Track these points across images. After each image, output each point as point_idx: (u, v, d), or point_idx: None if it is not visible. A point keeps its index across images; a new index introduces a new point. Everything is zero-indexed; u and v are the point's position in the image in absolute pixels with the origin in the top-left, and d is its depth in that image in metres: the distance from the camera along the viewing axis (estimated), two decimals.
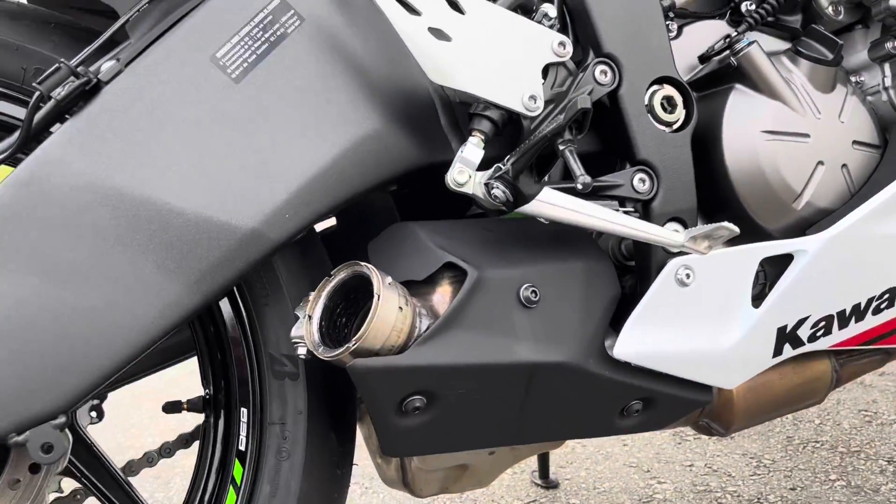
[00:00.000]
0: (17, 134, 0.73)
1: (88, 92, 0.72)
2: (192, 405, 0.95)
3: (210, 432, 0.92)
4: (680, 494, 1.51)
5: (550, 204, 0.77)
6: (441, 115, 0.86)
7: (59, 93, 0.71)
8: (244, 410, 0.85)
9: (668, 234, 0.80)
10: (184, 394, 1.00)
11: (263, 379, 0.84)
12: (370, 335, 0.71)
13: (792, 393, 1.08)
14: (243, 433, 0.84)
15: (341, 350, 0.72)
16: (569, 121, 0.65)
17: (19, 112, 0.79)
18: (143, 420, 2.34)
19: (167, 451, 1.04)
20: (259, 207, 0.75)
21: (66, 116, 0.73)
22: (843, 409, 1.83)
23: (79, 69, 0.72)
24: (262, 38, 0.78)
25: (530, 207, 0.76)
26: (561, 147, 0.67)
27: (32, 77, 0.78)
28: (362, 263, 0.76)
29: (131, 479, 0.94)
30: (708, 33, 0.99)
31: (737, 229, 0.78)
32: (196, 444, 0.97)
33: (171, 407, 0.96)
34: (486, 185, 0.77)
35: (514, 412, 0.83)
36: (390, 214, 1.00)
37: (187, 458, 0.97)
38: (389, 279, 0.74)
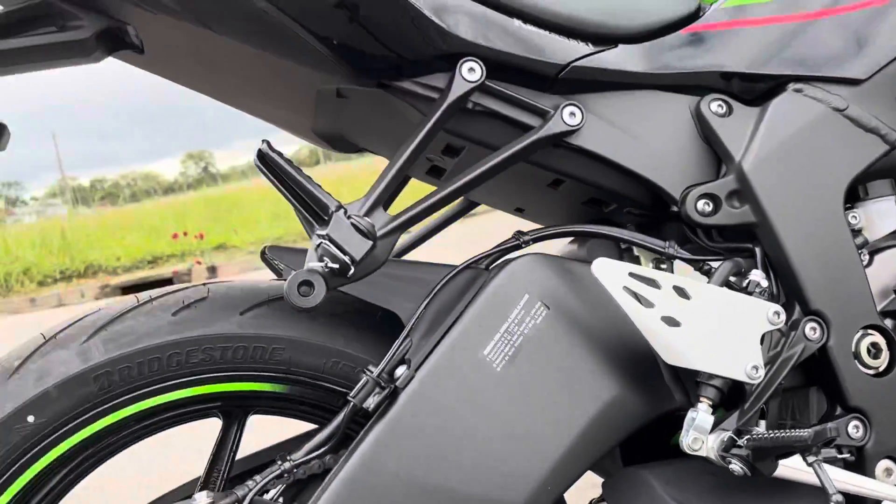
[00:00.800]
0: (329, 431, 0.89)
1: (390, 395, 0.88)
2: None
3: None
4: None
5: (787, 467, 0.87)
6: (664, 371, 0.97)
7: (370, 404, 0.87)
8: None
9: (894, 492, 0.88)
10: None
11: None
12: None
13: None
14: None
15: None
16: (817, 443, 0.75)
17: (323, 396, 0.96)
18: None
19: None
20: (526, 484, 0.88)
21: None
22: None
23: (380, 378, 0.88)
24: (518, 332, 0.92)
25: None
26: (809, 460, 0.77)
27: (329, 369, 0.95)
28: None
29: None
30: None
31: None
32: None
33: None
34: (722, 456, 0.88)
35: None
36: None
37: None
38: None
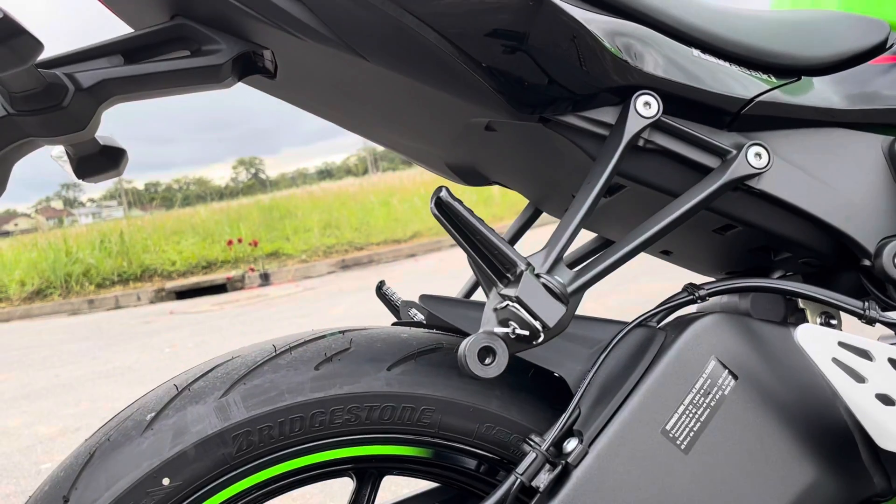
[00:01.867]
0: None
1: (561, 473, 0.78)
2: None
3: None
4: None
5: None
6: (862, 451, 0.85)
7: (541, 484, 0.76)
8: None
9: None
10: None
11: None
12: None
13: None
14: None
15: None
16: None
17: (470, 462, 0.86)
18: None
19: None
20: None
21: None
22: None
23: (548, 451, 0.78)
24: (704, 404, 0.81)
25: None
26: None
27: (482, 434, 0.85)
28: None
29: None
30: None
31: None
32: None
33: None
34: None
35: None
36: None
37: None
38: None
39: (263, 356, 0.84)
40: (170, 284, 10.87)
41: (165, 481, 0.76)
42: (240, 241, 11.89)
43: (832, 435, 0.84)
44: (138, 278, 11.66)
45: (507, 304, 0.68)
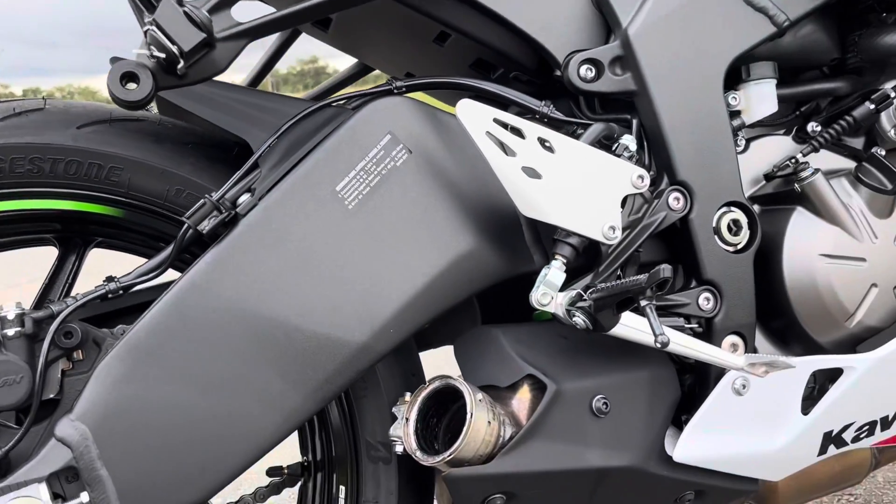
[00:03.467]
0: (163, 256, 0.85)
1: (228, 223, 0.83)
2: (292, 470, 1.07)
3: (307, 496, 1.04)
4: None
5: (627, 326, 0.87)
6: (525, 231, 0.95)
7: (206, 227, 0.82)
8: (342, 488, 0.96)
9: (731, 359, 0.89)
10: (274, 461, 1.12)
11: (360, 462, 0.95)
12: (463, 449, 0.82)
13: (833, 478, 1.16)
14: None
15: (438, 459, 0.82)
16: (651, 285, 0.74)
17: (163, 226, 0.91)
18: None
19: (261, 496, 1.17)
20: (369, 324, 0.85)
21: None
22: None
23: (220, 202, 0.83)
24: (375, 172, 0.88)
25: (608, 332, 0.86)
26: (642, 303, 0.76)
27: (174, 196, 0.89)
28: (454, 378, 0.86)
29: None
30: (774, 150, 1.07)
31: (794, 365, 0.87)
32: (287, 490, 1.10)
33: (274, 472, 1.08)
34: (567, 310, 0.87)
35: None
36: (471, 305, 1.10)
37: None
38: (479, 395, 0.84)
39: None
40: None
41: None
42: None
43: (497, 213, 0.93)
44: None
45: (149, 29, 0.72)
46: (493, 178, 0.90)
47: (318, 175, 0.86)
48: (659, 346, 0.75)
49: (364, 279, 0.86)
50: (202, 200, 0.82)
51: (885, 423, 1.04)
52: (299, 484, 1.07)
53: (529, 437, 0.86)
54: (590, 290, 0.84)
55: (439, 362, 1.22)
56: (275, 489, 1.13)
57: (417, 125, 0.90)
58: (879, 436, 1.05)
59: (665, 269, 0.73)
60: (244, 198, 0.85)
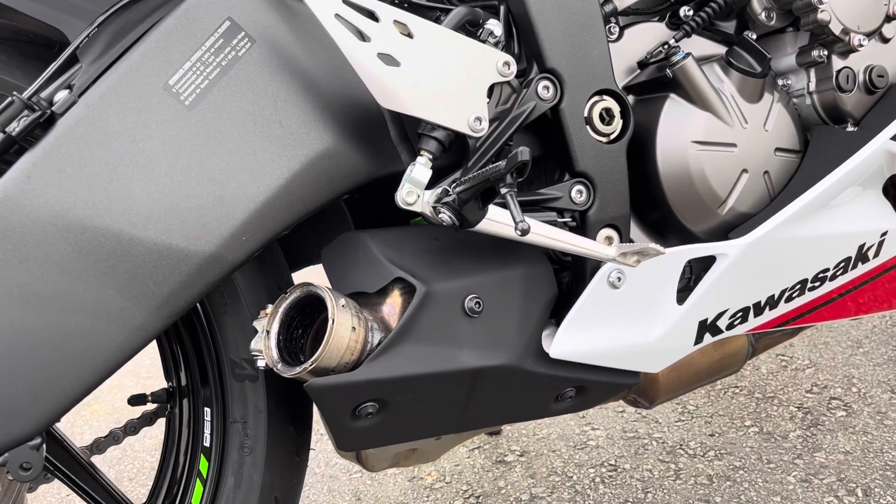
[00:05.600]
0: None
1: (43, 123, 0.74)
2: (156, 397, 1.00)
3: (175, 422, 0.98)
4: (611, 441, 1.64)
5: (493, 221, 0.83)
6: (390, 128, 0.89)
7: (15, 128, 0.72)
8: (207, 410, 0.91)
9: (601, 249, 0.87)
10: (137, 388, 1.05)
11: (225, 382, 0.89)
12: (326, 356, 0.77)
13: (712, 367, 1.19)
14: (207, 431, 0.90)
15: (299, 369, 0.77)
16: (510, 169, 0.70)
17: None
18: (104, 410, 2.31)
19: (132, 428, 1.10)
20: (217, 232, 0.78)
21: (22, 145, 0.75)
22: (762, 354, 1.99)
23: (32, 100, 0.73)
24: (214, 63, 0.79)
25: (474, 228, 0.82)
26: (503, 191, 0.72)
27: None
28: (316, 285, 0.81)
29: (98, 458, 1.00)
30: (647, 37, 1.03)
31: (664, 251, 0.85)
32: (159, 420, 1.04)
33: (136, 400, 1.01)
34: (434, 207, 0.82)
35: (458, 408, 0.91)
36: (340, 213, 1.04)
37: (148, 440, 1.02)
38: (343, 300, 0.79)
39: None
40: None
41: None
42: None
43: (357, 108, 0.86)
44: None
45: None
46: (351, 69, 0.83)
47: (147, 68, 0.76)
48: (519, 233, 0.71)
49: (208, 183, 0.78)
50: (9, 99, 0.72)
51: (758, 308, 1.05)
52: (167, 412, 1.01)
53: (399, 342, 0.82)
54: (454, 185, 0.80)
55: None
56: (147, 420, 1.06)
57: (261, 10, 0.81)
58: (753, 322, 1.07)
59: (523, 152, 0.69)
60: (61, 94, 0.75)
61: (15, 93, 0.73)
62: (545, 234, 0.84)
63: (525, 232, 0.70)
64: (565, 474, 1.53)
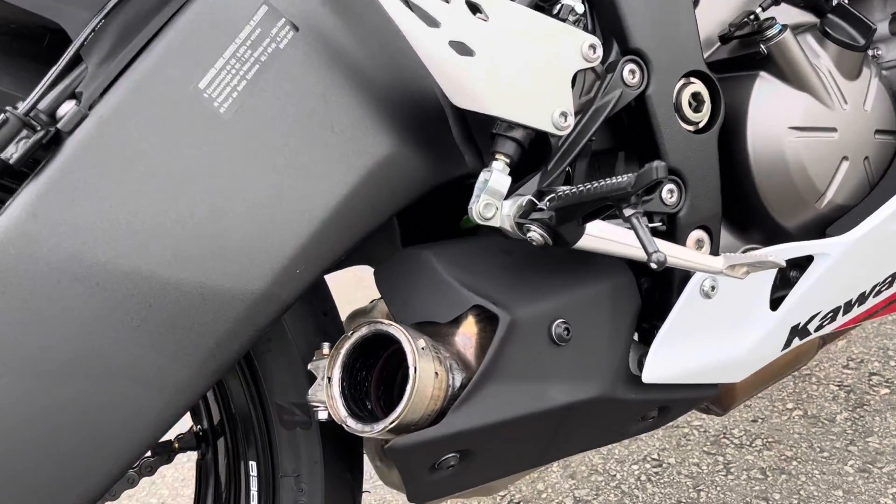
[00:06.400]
0: None
1: (47, 144, 0.59)
2: (185, 443, 0.87)
3: (207, 472, 0.85)
4: (651, 433, 1.55)
5: (593, 237, 0.71)
6: (452, 127, 0.75)
7: (13, 154, 0.57)
8: (252, 464, 0.78)
9: (710, 263, 0.75)
10: None
11: (272, 430, 0.76)
12: (409, 412, 0.64)
13: (786, 366, 1.09)
14: (254, 488, 0.78)
15: (379, 429, 0.65)
16: (641, 188, 0.57)
17: None
18: None
19: (147, 468, 0.97)
20: (267, 266, 0.65)
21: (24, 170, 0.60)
22: None
23: (31, 116, 0.58)
24: (252, 59, 0.64)
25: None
26: (627, 213, 0.59)
27: None
28: (385, 322, 0.68)
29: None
30: (726, 6, 0.90)
31: (782, 262, 0.74)
32: (177, 457, 0.91)
33: (162, 448, 0.88)
34: (520, 224, 0.69)
35: (542, 445, 0.80)
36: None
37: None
38: (421, 341, 0.67)
39: None
40: None
41: None
42: None
43: (418, 106, 0.73)
44: None
45: None
46: (406, 58, 0.69)
47: (170, 70, 0.62)
48: (654, 265, 0.58)
49: (251, 208, 0.64)
50: (2, 116, 0.57)
51: (848, 307, 0.95)
52: (196, 457, 0.88)
53: (484, 383, 0.70)
54: (548, 198, 0.67)
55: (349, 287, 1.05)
56: (164, 459, 0.93)
57: None
58: (840, 321, 0.97)
59: (659, 169, 0.56)
60: (67, 107, 0.60)
61: (8, 108, 0.57)
62: (667, 252, 0.71)
63: (662, 264, 0.58)
64: (608, 473, 1.44)
